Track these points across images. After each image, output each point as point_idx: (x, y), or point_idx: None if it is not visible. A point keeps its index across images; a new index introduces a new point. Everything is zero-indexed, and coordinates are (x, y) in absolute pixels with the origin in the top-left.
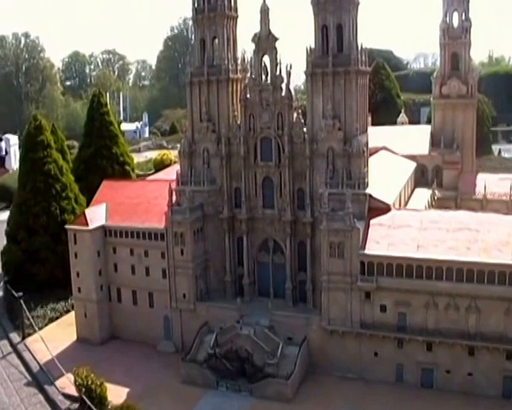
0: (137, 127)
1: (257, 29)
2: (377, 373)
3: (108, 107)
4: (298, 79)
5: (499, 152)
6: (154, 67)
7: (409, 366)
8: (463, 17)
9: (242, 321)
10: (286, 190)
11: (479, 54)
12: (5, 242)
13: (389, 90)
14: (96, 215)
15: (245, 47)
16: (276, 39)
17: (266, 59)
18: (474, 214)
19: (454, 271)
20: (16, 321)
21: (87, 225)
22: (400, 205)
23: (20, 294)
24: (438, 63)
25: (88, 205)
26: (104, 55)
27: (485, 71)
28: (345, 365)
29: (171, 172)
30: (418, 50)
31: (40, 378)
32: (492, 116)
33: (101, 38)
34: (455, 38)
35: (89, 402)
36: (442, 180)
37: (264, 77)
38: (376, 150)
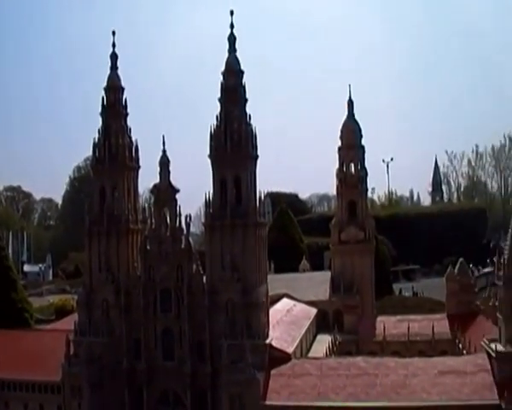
0: (41, 269)
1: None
2: None
3: (8, 250)
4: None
5: (400, 291)
6: (59, 207)
7: None
8: (359, 167)
9: None
10: (186, 341)
11: (381, 195)
12: None
13: (292, 236)
14: None
15: (146, 197)
16: (175, 191)
17: (166, 210)
18: (371, 359)
19: None
20: None
21: None
22: (302, 352)
23: None
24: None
25: None
26: (8, 193)
27: (385, 212)
28: None
29: (70, 322)
30: (323, 192)
31: None
32: (392, 256)
33: (6, 172)
34: (351, 187)
35: None
36: (343, 325)
37: (163, 228)
38: (278, 298)
